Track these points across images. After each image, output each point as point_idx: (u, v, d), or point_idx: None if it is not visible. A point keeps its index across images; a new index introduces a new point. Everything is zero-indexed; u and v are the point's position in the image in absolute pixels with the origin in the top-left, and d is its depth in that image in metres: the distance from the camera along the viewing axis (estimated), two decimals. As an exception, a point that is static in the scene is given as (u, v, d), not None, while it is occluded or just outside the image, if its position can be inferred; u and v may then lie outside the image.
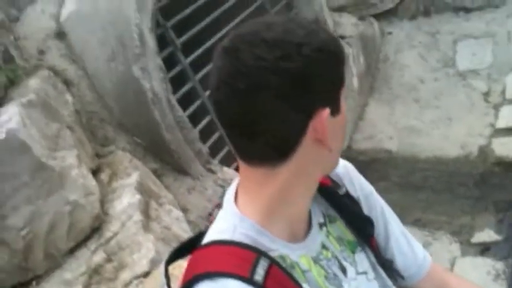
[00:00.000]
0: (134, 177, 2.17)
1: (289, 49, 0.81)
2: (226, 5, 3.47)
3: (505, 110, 3.84)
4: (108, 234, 1.89)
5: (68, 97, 2.46)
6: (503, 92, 3.96)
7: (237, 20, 3.51)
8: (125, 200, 2.01)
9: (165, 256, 0.99)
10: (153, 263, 1.88)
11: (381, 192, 1.13)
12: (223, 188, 2.80)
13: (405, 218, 2.68)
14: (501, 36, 4.17)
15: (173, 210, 2.20)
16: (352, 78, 4.09)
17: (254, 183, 0.90)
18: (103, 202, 2.02)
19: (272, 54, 0.80)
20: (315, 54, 0.83)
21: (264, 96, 0.81)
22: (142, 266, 1.85)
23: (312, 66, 0.83)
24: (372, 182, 1.13)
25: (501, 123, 3.75)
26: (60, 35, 2.95)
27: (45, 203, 1.80)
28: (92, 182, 2.02)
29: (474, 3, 4.32)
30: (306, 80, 0.82)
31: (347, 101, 4.09)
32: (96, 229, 1.94)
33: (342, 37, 4.18)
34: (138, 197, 2.03)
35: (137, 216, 1.93)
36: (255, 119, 0.83)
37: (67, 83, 2.79)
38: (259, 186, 0.90)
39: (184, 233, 2.11)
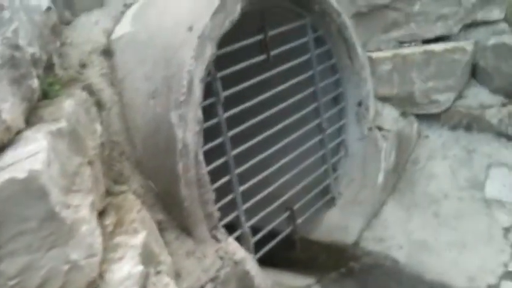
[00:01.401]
0: (140, 238, 2.00)
1: None
2: (277, 70, 3.36)
3: (522, 253, 3.68)
4: (98, 307, 1.72)
5: (98, 126, 2.32)
6: (524, 233, 3.81)
7: (280, 88, 3.41)
8: (126, 268, 1.83)
9: None
10: None
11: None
12: (223, 261, 2.64)
13: None
14: (536, 176, 4.05)
15: (169, 285, 2.03)
16: (379, 172, 3.96)
17: None
18: (102, 260, 1.85)
19: None
20: None
21: None
22: None
23: None
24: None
25: (515, 267, 3.59)
26: (107, 52, 2.83)
27: (44, 256, 1.63)
28: (98, 239, 1.85)
29: (518, 134, 4.21)
30: None
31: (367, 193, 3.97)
32: (87, 295, 1.77)
33: (380, 128, 4.06)
34: (139, 268, 1.86)
35: (135, 295, 1.76)
36: None
37: (99, 105, 2.65)
38: None
39: (177, 320, 1.94)
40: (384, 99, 4.28)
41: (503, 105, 4.31)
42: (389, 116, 4.20)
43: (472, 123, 4.37)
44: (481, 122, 4.33)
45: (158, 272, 2.07)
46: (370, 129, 4.01)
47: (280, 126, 3.48)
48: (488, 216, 3.95)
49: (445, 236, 3.80)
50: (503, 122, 4.24)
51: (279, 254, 3.59)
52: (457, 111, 4.37)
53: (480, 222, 3.90)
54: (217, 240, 2.70)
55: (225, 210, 3.14)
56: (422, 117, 4.41)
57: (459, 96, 4.37)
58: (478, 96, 4.36)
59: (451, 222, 3.90)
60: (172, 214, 2.64)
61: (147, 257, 2.02)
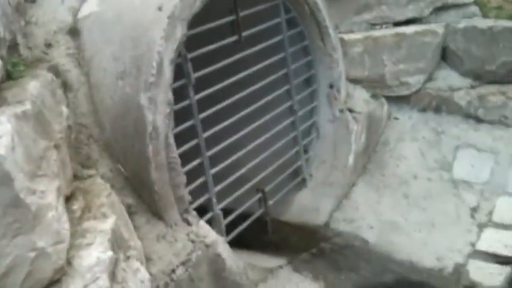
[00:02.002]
0: (109, 223, 1.96)
1: None
2: (249, 51, 3.32)
3: (488, 232, 3.77)
4: (66, 293, 1.68)
5: (64, 109, 2.25)
6: (490, 213, 3.90)
7: (252, 70, 3.37)
8: (94, 254, 1.80)
9: None
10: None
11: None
12: (194, 244, 2.62)
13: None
14: (504, 157, 4.12)
15: (140, 270, 2.00)
16: (350, 154, 3.98)
17: None
18: (70, 246, 1.81)
19: None
20: None
21: None
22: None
23: None
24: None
25: (482, 246, 3.67)
26: (74, 32, 2.75)
27: (10, 244, 1.58)
28: (65, 225, 1.80)
29: (486, 116, 4.27)
30: None
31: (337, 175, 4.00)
32: (55, 282, 1.72)
33: (351, 110, 4.07)
34: (109, 254, 1.82)
35: (103, 282, 1.72)
36: None
37: (66, 87, 2.58)
38: None
39: (147, 304, 1.91)
40: (355, 81, 4.29)
41: (472, 87, 4.36)
42: (360, 98, 4.22)
43: (441, 105, 4.42)
44: (450, 104, 4.38)
45: (128, 257, 2.04)
46: (341, 111, 4.02)
47: (251, 108, 3.46)
48: (456, 196, 4.02)
49: (414, 216, 3.86)
50: (472, 104, 4.30)
51: (251, 236, 3.59)
52: (427, 94, 4.41)
53: (448, 203, 3.97)
54: (188, 223, 2.68)
55: (196, 193, 3.12)
56: (393, 99, 4.44)
57: (429, 78, 4.41)
58: (448, 78, 4.41)
59: (420, 203, 3.96)
60: (143, 198, 2.61)
61: (117, 242, 1.99)
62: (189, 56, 2.82)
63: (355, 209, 3.92)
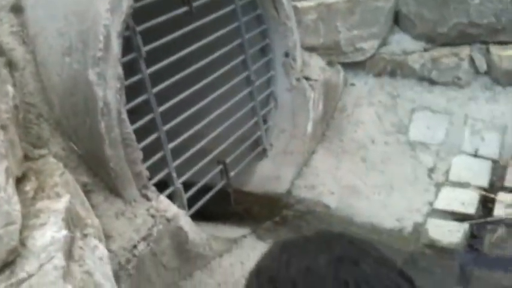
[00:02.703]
0: (63, 203, 1.93)
1: None
2: (199, 22, 3.27)
3: (445, 191, 3.87)
4: (21, 274, 1.64)
5: (9, 88, 2.18)
6: (447, 172, 4.00)
7: (205, 41, 3.33)
8: (49, 233, 1.77)
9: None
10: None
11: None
12: (155, 219, 2.61)
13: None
14: (458, 117, 4.22)
15: (98, 247, 1.98)
16: (308, 122, 4.00)
17: None
18: (23, 227, 1.77)
19: None
20: None
21: None
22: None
23: None
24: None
25: (439, 204, 3.78)
26: (17, 9, 2.65)
27: (-45, 227, 1.54)
28: (16, 206, 1.76)
29: (440, 78, 4.35)
30: None
31: (297, 143, 4.03)
32: (9, 264, 1.69)
33: (307, 78, 4.08)
34: (64, 232, 1.79)
35: (58, 260, 1.69)
36: None
37: (11, 65, 2.49)
38: None
39: (106, 281, 1.89)
40: (310, 49, 4.29)
41: (425, 50, 4.43)
42: (316, 65, 4.23)
43: (396, 70, 4.47)
44: (404, 68, 4.44)
45: (85, 235, 2.01)
46: (298, 79, 4.03)
47: (208, 80, 3.42)
48: (413, 158, 4.11)
49: (373, 179, 3.94)
50: (426, 66, 4.37)
51: (214, 208, 3.60)
52: (382, 58, 4.46)
53: (406, 165, 4.06)
54: (148, 199, 2.66)
55: (156, 168, 3.09)
56: (349, 66, 4.47)
57: (383, 43, 4.45)
58: (401, 42, 4.46)
59: (378, 166, 4.03)
60: (99, 176, 2.57)
61: (72, 221, 1.96)
62: (138, 28, 2.76)
63: (316, 176, 3.97)
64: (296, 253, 0.70)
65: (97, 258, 1.93)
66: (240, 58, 3.76)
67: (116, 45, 2.46)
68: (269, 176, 3.98)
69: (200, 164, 3.39)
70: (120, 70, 2.50)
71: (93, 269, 1.80)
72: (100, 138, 2.44)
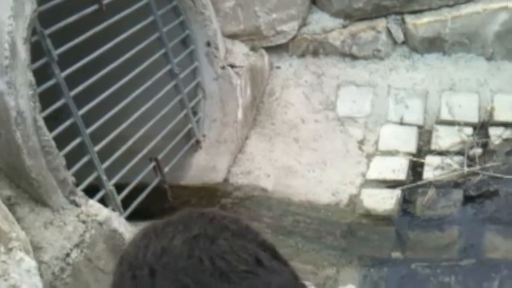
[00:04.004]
0: (-19, 218, 1.86)
1: None
2: (112, 20, 3.20)
3: (376, 161, 3.99)
4: None
5: None
6: (376, 143, 4.12)
7: (119, 39, 3.27)
8: (-34, 252, 1.70)
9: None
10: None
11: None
12: (86, 224, 2.56)
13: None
14: (381, 88, 4.35)
15: (24, 259, 1.93)
16: (238, 109, 4.02)
17: None
18: None
19: None
20: None
21: None
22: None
23: None
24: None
25: (371, 175, 3.89)
26: None
27: None
28: None
29: (360, 52, 4.46)
30: None
31: (229, 131, 4.04)
32: None
33: (232, 66, 4.10)
34: (-18, 249, 1.74)
35: (-22, 278, 1.64)
36: None
37: None
38: None
39: (35, 292, 1.85)
40: (232, 36, 4.30)
41: (344, 27, 4.52)
42: (239, 52, 4.24)
43: (318, 49, 4.55)
44: (326, 46, 4.52)
45: (10, 249, 1.96)
46: (223, 68, 4.03)
47: (129, 77, 3.37)
48: (343, 132, 4.21)
49: (307, 157, 4.01)
50: (346, 42, 4.47)
51: (152, 206, 3.56)
52: (303, 39, 4.52)
53: (336, 140, 4.15)
54: (76, 205, 2.61)
55: (86, 173, 3.03)
56: (272, 49, 4.51)
57: (303, 24, 4.51)
58: (320, 21, 4.53)
59: (311, 144, 4.11)
60: (22, 187, 2.49)
61: (-7, 236, 1.90)
62: (47, 32, 2.68)
63: (251, 161, 4.00)
64: (154, 237, 0.71)
65: (23, 271, 1.88)
66: (161, 52, 3.71)
67: (23, 52, 2.38)
68: (205, 166, 3.99)
69: (131, 164, 3.35)
70: (31, 76, 2.42)
71: (19, 281, 1.75)
72: (17, 148, 2.37)
